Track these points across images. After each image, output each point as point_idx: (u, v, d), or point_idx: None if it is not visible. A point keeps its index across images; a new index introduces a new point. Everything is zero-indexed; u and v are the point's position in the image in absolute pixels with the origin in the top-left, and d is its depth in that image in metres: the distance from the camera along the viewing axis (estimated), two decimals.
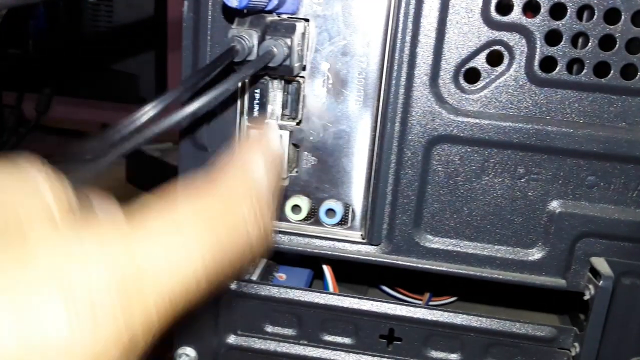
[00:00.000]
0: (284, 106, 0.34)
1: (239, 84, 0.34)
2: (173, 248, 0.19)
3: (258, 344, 0.39)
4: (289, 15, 0.32)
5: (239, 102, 0.35)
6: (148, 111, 0.25)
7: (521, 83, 0.33)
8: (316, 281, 0.44)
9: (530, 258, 0.35)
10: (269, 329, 0.39)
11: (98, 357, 0.17)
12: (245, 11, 0.31)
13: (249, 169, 0.25)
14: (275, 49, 0.30)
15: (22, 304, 0.17)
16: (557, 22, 0.32)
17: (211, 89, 0.27)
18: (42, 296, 0.17)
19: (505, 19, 0.32)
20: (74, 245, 0.18)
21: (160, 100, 0.25)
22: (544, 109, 0.33)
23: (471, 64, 0.33)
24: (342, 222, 0.36)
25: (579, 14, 0.32)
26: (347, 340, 0.38)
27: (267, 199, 0.24)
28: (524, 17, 0.32)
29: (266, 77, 0.34)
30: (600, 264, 0.34)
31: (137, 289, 0.18)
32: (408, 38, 0.33)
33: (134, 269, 0.18)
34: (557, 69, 0.32)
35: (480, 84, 0.33)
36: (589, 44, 0.32)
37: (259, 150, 0.28)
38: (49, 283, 0.17)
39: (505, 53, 0.33)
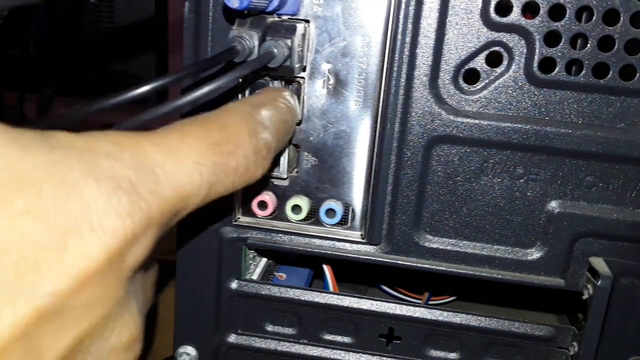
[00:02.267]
0: None
1: (239, 81, 0.34)
2: (180, 158, 0.22)
3: (258, 343, 0.39)
4: (290, 17, 0.32)
5: None
6: (142, 90, 0.25)
7: (520, 84, 0.33)
8: (316, 281, 0.44)
9: (529, 258, 0.35)
10: (270, 328, 0.39)
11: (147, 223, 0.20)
12: (246, 12, 0.32)
13: (256, 107, 0.28)
14: (275, 50, 0.30)
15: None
16: (556, 23, 0.32)
17: (206, 84, 0.27)
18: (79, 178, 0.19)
19: (504, 20, 0.32)
20: (105, 144, 0.20)
21: (156, 81, 0.25)
22: (543, 109, 0.33)
23: (470, 65, 0.33)
24: (342, 222, 0.36)
25: (578, 15, 0.32)
26: (347, 340, 0.38)
27: (268, 136, 0.27)
28: (523, 18, 0.32)
29: (267, 78, 0.34)
30: (599, 263, 0.34)
31: (152, 186, 0.21)
32: (408, 39, 0.33)
33: (149, 170, 0.21)
34: (556, 69, 0.33)
35: (479, 85, 0.34)
36: (588, 45, 0.32)
37: (269, 96, 0.31)
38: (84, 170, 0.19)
39: (505, 54, 0.33)
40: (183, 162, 0.22)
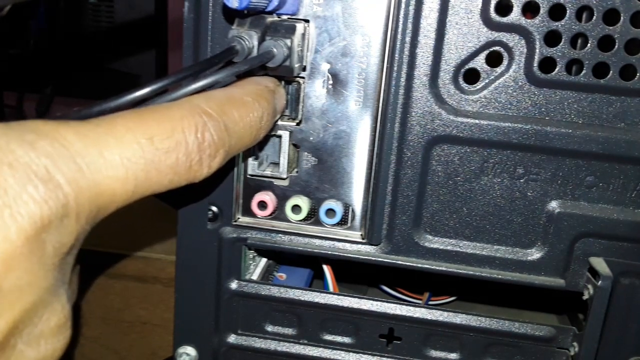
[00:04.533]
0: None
1: (234, 78, 0.34)
2: (104, 150, 0.21)
3: (258, 343, 0.39)
4: (289, 16, 0.32)
5: None
6: (142, 92, 0.25)
7: (520, 84, 0.33)
8: (316, 281, 0.44)
9: (530, 258, 0.35)
10: (269, 328, 0.39)
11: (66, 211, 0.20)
12: (245, 12, 0.31)
13: (212, 101, 0.26)
14: (275, 50, 0.30)
15: None
16: (557, 23, 0.32)
17: (201, 78, 0.27)
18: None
19: (504, 19, 0.32)
20: (27, 134, 0.20)
21: (155, 82, 0.25)
22: (543, 109, 0.33)
23: (471, 65, 0.33)
24: (342, 222, 0.36)
25: (578, 15, 0.32)
26: (347, 340, 0.38)
27: (221, 134, 0.26)
28: (523, 18, 0.32)
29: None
30: (599, 264, 0.34)
31: (70, 175, 0.20)
32: (408, 39, 0.33)
33: (69, 159, 0.20)
34: (557, 69, 0.33)
35: (479, 85, 0.34)
36: (588, 44, 0.32)
37: (239, 89, 0.29)
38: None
39: (505, 54, 0.33)
40: (107, 155, 0.21)
